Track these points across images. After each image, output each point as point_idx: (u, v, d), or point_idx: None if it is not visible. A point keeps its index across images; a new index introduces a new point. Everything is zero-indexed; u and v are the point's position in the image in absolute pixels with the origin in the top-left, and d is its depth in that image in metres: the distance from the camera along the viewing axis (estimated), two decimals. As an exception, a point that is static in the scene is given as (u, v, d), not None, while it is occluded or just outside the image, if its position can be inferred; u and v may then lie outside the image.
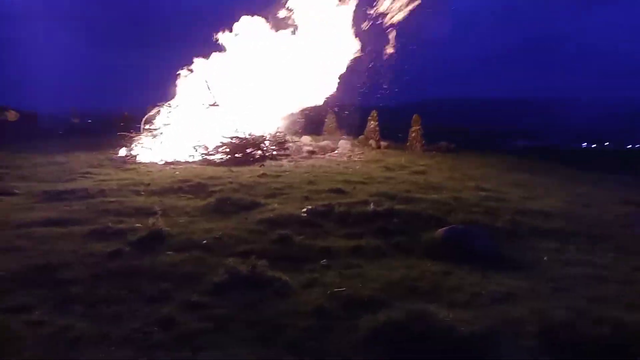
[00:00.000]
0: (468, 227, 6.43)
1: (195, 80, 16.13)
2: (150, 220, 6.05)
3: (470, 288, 4.56)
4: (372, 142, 20.61)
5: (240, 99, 15.78)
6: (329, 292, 4.40)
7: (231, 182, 9.39)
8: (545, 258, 5.78)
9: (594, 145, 48.49)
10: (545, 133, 58.28)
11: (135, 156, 13.67)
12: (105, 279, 4.58)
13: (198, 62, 16.38)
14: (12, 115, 21.86)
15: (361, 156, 15.84)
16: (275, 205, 7.53)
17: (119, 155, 13.98)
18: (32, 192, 8.46)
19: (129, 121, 20.75)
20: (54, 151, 15.12)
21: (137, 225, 6.17)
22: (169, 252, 5.29)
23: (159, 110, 15.90)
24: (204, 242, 5.63)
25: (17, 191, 8.36)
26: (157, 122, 15.56)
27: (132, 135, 15.40)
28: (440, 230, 6.17)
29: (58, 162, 12.60)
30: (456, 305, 4.13)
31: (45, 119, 27.78)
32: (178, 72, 16.30)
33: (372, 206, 7.30)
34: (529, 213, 8.09)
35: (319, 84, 16.90)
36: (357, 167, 13.18)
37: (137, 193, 8.56)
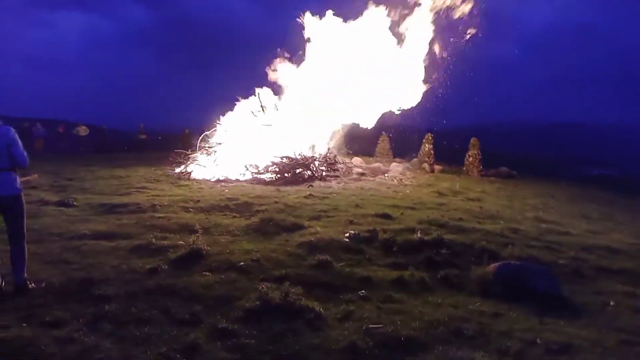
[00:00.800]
0: (525, 263, 5.89)
1: (254, 100, 16.41)
2: (191, 239, 6.05)
3: (524, 334, 4.09)
4: (425, 165, 20.05)
5: (294, 117, 15.86)
6: (364, 327, 4.11)
7: (277, 202, 9.33)
8: (612, 303, 5.16)
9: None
10: (620, 162, 54.25)
11: (189, 173, 14.05)
12: (140, 298, 4.55)
13: (260, 82, 16.65)
14: (82, 130, 23.40)
15: (413, 180, 15.35)
16: (318, 228, 7.34)
17: (175, 171, 14.44)
18: (89, 204, 8.83)
19: (189, 138, 21.59)
20: (116, 165, 15.96)
21: (180, 242, 6.19)
22: (205, 273, 5.23)
23: (216, 129, 16.35)
24: (241, 264, 5.52)
25: (75, 203, 8.76)
26: (212, 140, 15.97)
27: (188, 152, 15.90)
28: (494, 266, 5.70)
29: (118, 176, 13.18)
30: (506, 354, 3.70)
31: (114, 134, 29.59)
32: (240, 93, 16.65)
33: (419, 234, 6.92)
34: (595, 250, 7.37)
35: (376, 106, 16.60)
36: (408, 191, 12.74)
37: (186, 209, 8.69)
